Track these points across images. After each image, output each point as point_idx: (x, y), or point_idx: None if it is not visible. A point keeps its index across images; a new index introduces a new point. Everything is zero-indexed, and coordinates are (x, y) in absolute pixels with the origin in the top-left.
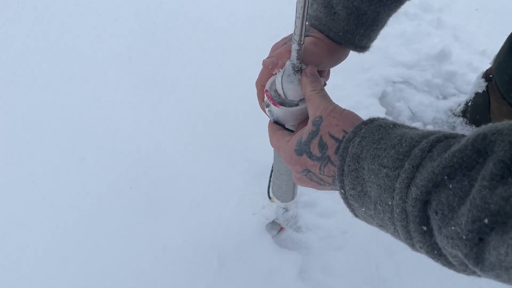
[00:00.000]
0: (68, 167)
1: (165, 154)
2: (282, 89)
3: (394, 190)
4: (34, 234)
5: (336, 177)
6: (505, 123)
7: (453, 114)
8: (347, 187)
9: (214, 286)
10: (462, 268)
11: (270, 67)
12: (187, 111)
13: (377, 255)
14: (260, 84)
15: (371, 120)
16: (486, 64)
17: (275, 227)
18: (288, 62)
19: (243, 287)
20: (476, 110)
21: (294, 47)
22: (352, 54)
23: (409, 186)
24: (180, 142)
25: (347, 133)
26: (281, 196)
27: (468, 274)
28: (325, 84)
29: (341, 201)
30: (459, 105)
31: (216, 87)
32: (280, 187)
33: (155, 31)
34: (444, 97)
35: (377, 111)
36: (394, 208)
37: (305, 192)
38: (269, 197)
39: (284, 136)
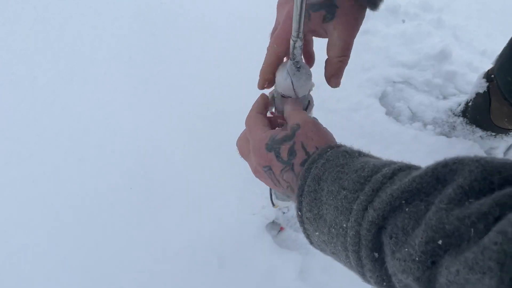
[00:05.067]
0: (68, 167)
1: (165, 154)
2: (294, 90)
3: (350, 213)
4: (34, 234)
5: (295, 197)
6: (466, 156)
7: (453, 114)
8: (304, 209)
9: (214, 286)
10: None
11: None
12: (187, 111)
13: None
14: (271, 72)
15: (338, 146)
16: (486, 64)
17: (275, 227)
18: (290, 63)
19: (243, 287)
20: (476, 110)
21: (298, 44)
22: (351, 55)
23: (367, 208)
24: (180, 142)
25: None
26: (283, 194)
27: None
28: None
29: None
30: (459, 105)
31: (216, 87)
32: None
33: (155, 31)
34: (444, 97)
35: (377, 111)
36: (348, 231)
37: None
38: (273, 204)
39: (262, 123)
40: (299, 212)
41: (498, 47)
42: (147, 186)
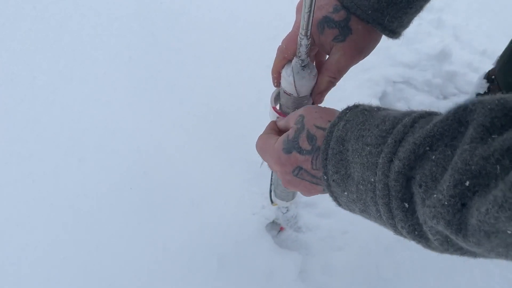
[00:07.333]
0: (68, 167)
1: (165, 154)
2: (295, 88)
3: (377, 166)
4: (34, 234)
5: (320, 161)
6: (486, 96)
7: None
8: (330, 172)
9: (214, 286)
10: (444, 248)
11: (286, 55)
12: (187, 111)
13: (377, 255)
14: (276, 72)
15: (356, 106)
16: (487, 64)
17: (275, 227)
18: (295, 60)
19: (243, 287)
20: None
21: (304, 42)
22: None
23: (392, 160)
24: (180, 142)
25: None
26: (281, 193)
27: (451, 253)
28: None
29: None
30: None
31: (216, 87)
32: (279, 186)
33: (155, 31)
34: (445, 97)
35: None
36: (377, 184)
37: None
38: (272, 202)
39: (270, 138)
40: (324, 176)
41: (498, 47)
42: (147, 186)
